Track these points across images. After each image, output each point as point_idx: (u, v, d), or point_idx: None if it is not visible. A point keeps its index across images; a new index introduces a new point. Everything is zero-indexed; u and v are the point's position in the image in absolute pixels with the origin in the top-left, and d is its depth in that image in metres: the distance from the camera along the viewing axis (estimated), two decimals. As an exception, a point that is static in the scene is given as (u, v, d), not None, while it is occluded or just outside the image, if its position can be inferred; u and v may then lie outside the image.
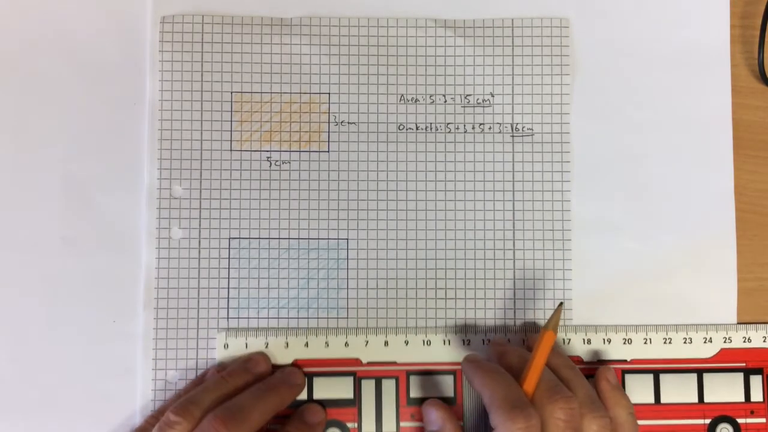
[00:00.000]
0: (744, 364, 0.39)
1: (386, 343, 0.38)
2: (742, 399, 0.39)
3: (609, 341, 0.39)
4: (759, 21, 0.41)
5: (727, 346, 0.39)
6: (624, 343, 0.39)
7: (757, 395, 0.39)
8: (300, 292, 0.39)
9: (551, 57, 0.40)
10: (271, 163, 0.39)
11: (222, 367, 0.37)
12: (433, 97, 0.40)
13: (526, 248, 0.40)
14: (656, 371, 0.39)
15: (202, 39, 0.40)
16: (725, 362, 0.39)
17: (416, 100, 0.40)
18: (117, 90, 0.39)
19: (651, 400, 0.39)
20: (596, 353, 0.39)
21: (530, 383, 0.34)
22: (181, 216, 0.39)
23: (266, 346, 0.38)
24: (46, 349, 0.38)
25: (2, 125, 0.39)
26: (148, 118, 0.39)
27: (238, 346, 0.38)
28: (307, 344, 0.38)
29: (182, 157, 0.39)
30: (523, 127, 0.40)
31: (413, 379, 0.38)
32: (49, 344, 0.38)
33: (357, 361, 0.38)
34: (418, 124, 0.40)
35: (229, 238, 0.39)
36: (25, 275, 0.39)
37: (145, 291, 0.39)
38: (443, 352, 0.38)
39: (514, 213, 0.40)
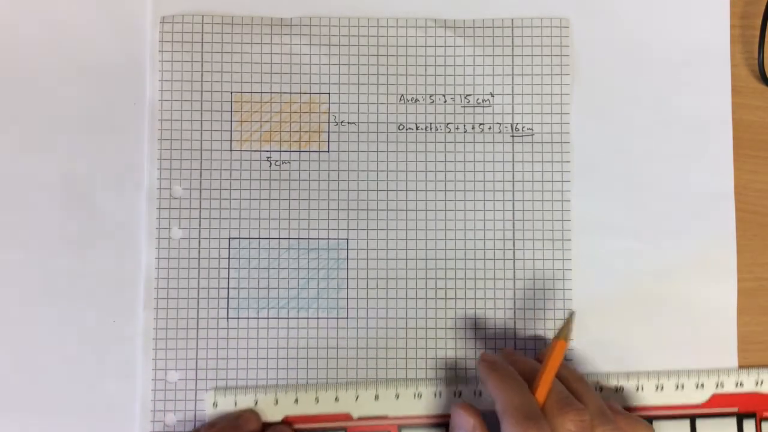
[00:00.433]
0: (737, 409, 0.39)
1: (377, 397, 0.38)
2: None
3: (600, 389, 0.39)
4: (759, 21, 0.41)
5: (720, 391, 0.39)
6: (616, 391, 0.39)
7: (750, 440, 0.39)
8: (300, 292, 0.39)
9: (551, 57, 0.40)
10: (271, 163, 0.39)
11: (212, 425, 0.37)
12: (433, 97, 0.40)
13: (526, 248, 0.40)
14: (649, 418, 0.39)
15: (202, 39, 0.40)
16: (718, 407, 0.39)
17: (416, 100, 0.40)
18: (117, 90, 0.39)
19: None
20: None
21: (541, 393, 0.34)
22: (181, 216, 0.39)
23: (256, 404, 0.38)
24: (46, 349, 0.38)
25: (2, 125, 0.39)
26: (148, 118, 0.39)
27: (227, 405, 0.38)
28: (296, 400, 0.38)
29: (182, 157, 0.39)
30: (523, 127, 0.40)
31: None
32: (49, 344, 0.38)
33: (347, 416, 0.38)
34: (418, 124, 0.40)
35: (229, 238, 0.39)
36: (25, 275, 0.39)
37: (145, 291, 0.39)
38: (434, 404, 0.38)
39: (513, 213, 0.40)
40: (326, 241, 0.39)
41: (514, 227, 0.40)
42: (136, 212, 0.39)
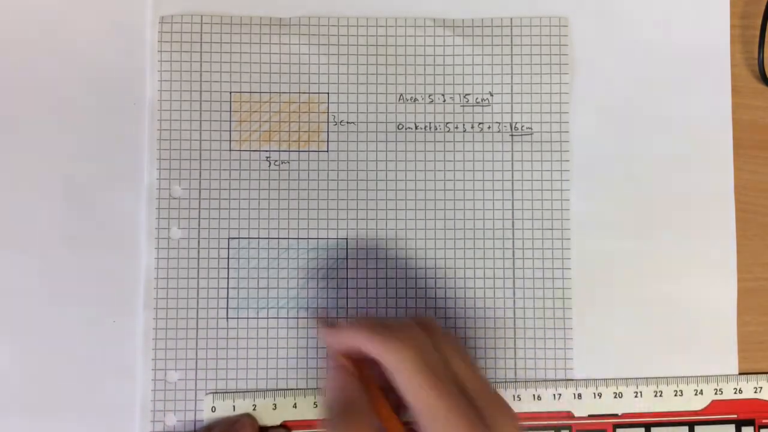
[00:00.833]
0: (735, 416, 0.39)
1: None
2: None
3: (599, 395, 0.39)
4: (759, 21, 0.40)
5: (718, 397, 0.39)
6: (615, 397, 0.39)
7: (749, 447, 0.39)
8: (300, 291, 0.39)
9: (550, 56, 0.40)
10: (270, 163, 0.40)
11: (208, 429, 0.37)
12: (432, 97, 0.40)
13: (525, 247, 0.39)
14: (647, 425, 0.39)
15: (201, 39, 0.40)
16: (716, 414, 0.39)
17: (415, 100, 0.40)
18: (117, 90, 0.40)
19: None
20: (587, 408, 0.39)
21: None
22: (180, 216, 0.39)
23: (254, 408, 0.38)
24: (46, 348, 0.38)
25: (2, 125, 0.39)
26: (148, 118, 0.39)
27: (225, 409, 0.38)
28: (295, 405, 0.38)
29: (182, 157, 0.39)
30: (522, 126, 0.40)
31: None
32: (49, 344, 0.39)
33: None
34: (417, 124, 0.40)
35: (229, 238, 0.39)
36: (25, 275, 0.39)
37: (144, 291, 0.39)
38: None
39: (513, 212, 0.40)
40: (326, 241, 0.39)
41: (513, 226, 0.40)
42: (135, 212, 0.39)
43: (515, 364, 0.39)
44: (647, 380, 0.39)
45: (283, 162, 0.40)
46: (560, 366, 0.39)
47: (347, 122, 0.40)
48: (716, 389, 0.39)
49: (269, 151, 0.40)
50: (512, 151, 0.40)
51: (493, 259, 0.39)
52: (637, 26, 0.41)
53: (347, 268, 0.39)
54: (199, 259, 0.39)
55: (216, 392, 0.38)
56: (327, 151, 0.40)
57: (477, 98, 0.40)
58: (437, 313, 0.39)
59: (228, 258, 0.39)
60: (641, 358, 0.39)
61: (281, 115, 0.40)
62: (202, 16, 0.40)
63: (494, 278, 0.39)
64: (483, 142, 0.40)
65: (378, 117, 0.40)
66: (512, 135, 0.40)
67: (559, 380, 0.39)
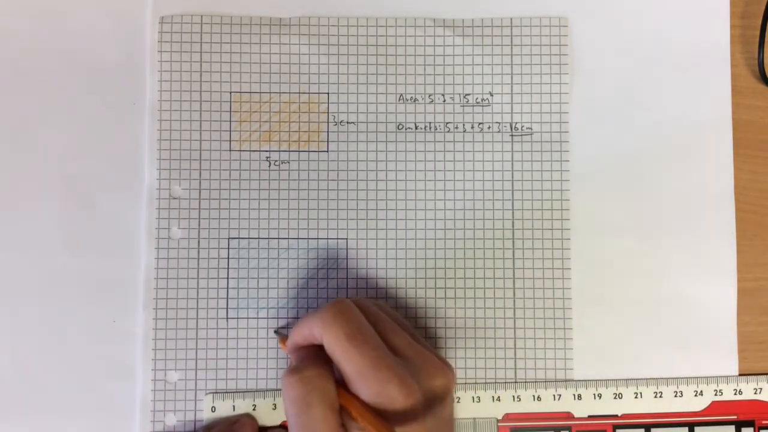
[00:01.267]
0: (735, 417, 0.39)
1: None
2: None
3: (599, 396, 0.39)
4: (759, 21, 0.40)
5: (718, 398, 0.39)
6: (615, 398, 0.39)
7: (749, 448, 0.39)
8: (300, 291, 0.39)
9: (550, 56, 0.40)
10: (270, 163, 0.40)
11: (207, 429, 0.37)
12: (432, 97, 0.40)
13: (526, 247, 0.39)
14: (647, 426, 0.39)
15: (201, 39, 0.40)
16: (716, 415, 0.39)
17: (415, 100, 0.40)
18: (117, 90, 0.40)
19: None
20: (587, 409, 0.39)
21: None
22: (180, 216, 0.39)
23: (254, 408, 0.38)
24: (46, 349, 0.38)
25: (2, 125, 0.39)
26: (148, 118, 0.39)
27: (225, 409, 0.38)
28: None
29: (182, 157, 0.39)
30: (522, 127, 0.40)
31: None
32: (49, 344, 0.39)
33: None
34: (417, 124, 0.40)
35: (229, 238, 0.39)
36: (25, 275, 0.39)
37: (144, 291, 0.39)
38: None
39: (513, 212, 0.40)
40: (326, 241, 0.39)
41: (513, 226, 0.40)
42: (135, 212, 0.39)
43: (515, 365, 0.39)
44: (647, 381, 0.39)
45: (283, 162, 0.40)
46: (560, 366, 0.39)
47: (347, 122, 0.40)
48: (716, 390, 0.39)
49: (269, 151, 0.40)
50: (512, 151, 0.40)
51: (493, 259, 0.39)
52: (637, 26, 0.41)
53: (347, 268, 0.39)
54: (199, 259, 0.39)
55: (216, 392, 0.38)
56: (327, 151, 0.40)
57: (477, 98, 0.40)
58: (437, 313, 0.39)
59: (228, 258, 0.39)
60: (641, 359, 0.39)
61: (281, 115, 0.40)
62: (202, 16, 0.40)
63: (494, 278, 0.39)
64: (483, 142, 0.40)
65: (378, 117, 0.40)
66: (512, 135, 0.40)
67: (559, 381, 0.39)
